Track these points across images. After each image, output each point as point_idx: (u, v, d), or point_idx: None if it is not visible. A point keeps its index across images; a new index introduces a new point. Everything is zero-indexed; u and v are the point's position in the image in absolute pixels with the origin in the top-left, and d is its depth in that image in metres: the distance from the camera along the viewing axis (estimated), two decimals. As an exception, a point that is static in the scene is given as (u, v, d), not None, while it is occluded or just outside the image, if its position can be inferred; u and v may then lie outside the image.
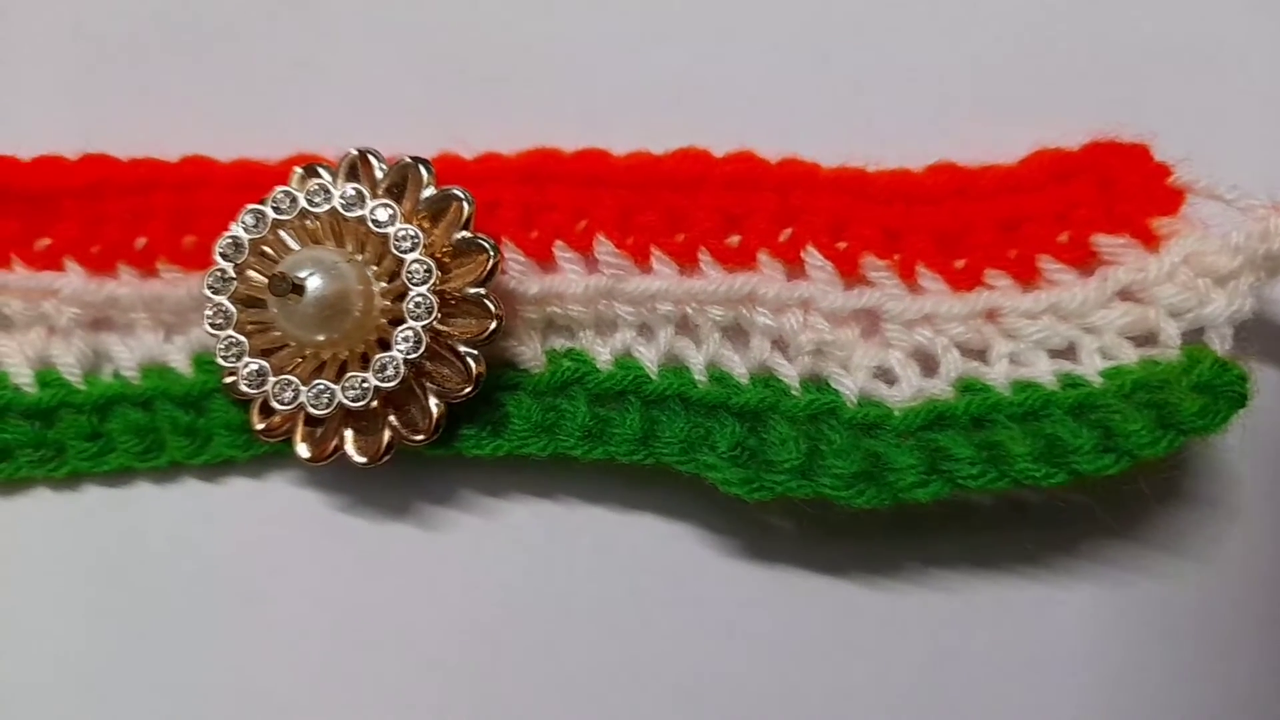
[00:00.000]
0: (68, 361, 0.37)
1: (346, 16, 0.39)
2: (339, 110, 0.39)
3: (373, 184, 0.35)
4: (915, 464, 0.31)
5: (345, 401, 0.33)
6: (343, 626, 0.37)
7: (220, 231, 0.36)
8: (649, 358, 0.35)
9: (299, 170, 0.35)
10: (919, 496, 0.31)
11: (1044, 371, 0.33)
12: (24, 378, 0.38)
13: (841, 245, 0.34)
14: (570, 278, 0.35)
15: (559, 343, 0.36)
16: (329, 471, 0.37)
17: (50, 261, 0.38)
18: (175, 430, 0.37)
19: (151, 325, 0.38)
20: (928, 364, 0.34)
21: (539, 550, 0.36)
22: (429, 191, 0.34)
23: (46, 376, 0.38)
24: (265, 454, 0.37)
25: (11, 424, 0.37)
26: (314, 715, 0.36)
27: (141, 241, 0.37)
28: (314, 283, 0.32)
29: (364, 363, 0.34)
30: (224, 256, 0.34)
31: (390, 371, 0.33)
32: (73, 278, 0.37)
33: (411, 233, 0.33)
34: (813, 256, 0.34)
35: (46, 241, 0.38)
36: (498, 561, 0.36)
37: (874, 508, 0.32)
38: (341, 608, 0.37)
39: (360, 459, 0.34)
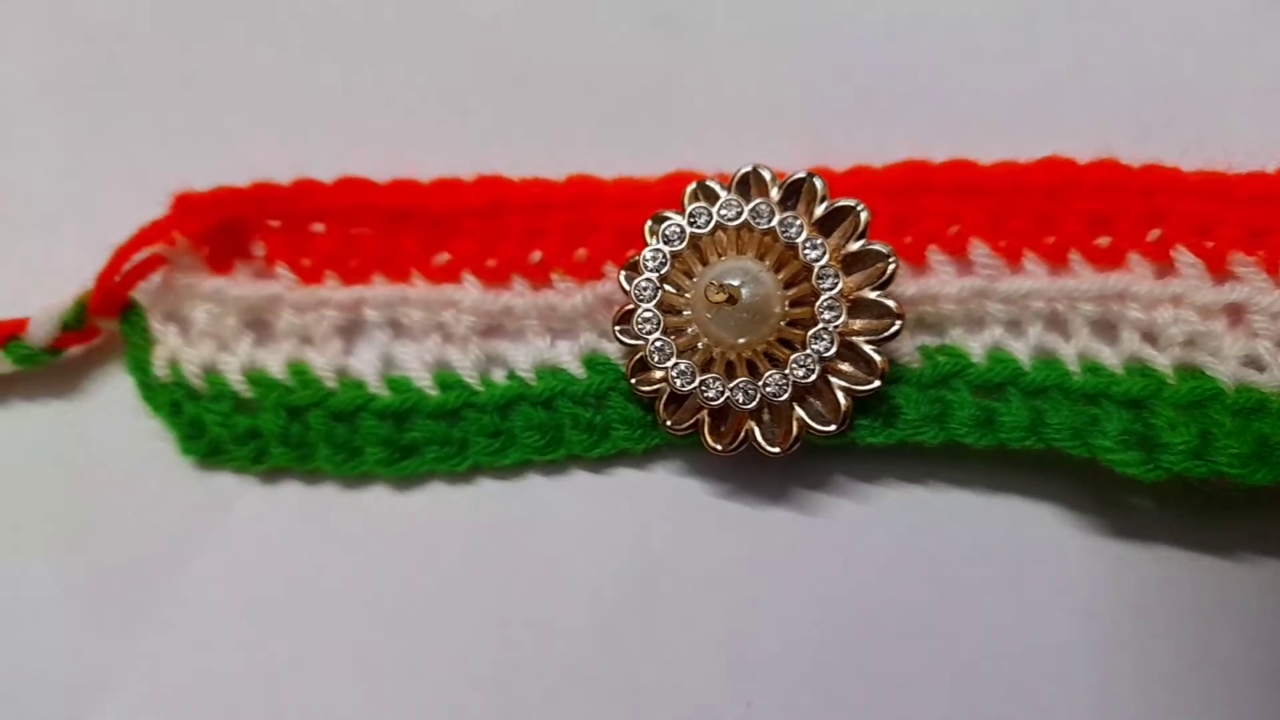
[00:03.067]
0: (465, 366, 0.41)
1: (714, 39, 0.43)
2: (706, 130, 0.42)
3: (766, 197, 0.38)
4: (1302, 443, 0.34)
5: (767, 396, 0.36)
6: (731, 610, 0.39)
7: (610, 244, 0.40)
8: (1021, 351, 0.38)
9: (692, 186, 0.38)
10: (1311, 473, 0.34)
11: None
12: (425, 381, 0.41)
13: (1209, 244, 0.37)
14: (945, 279, 0.39)
15: (926, 339, 0.39)
16: (710, 462, 0.40)
17: (448, 275, 0.41)
18: (575, 426, 0.40)
19: (540, 331, 0.41)
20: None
21: (913, 534, 0.39)
22: (824, 204, 0.37)
23: (445, 379, 0.41)
24: (657, 447, 0.40)
25: (419, 423, 0.41)
26: (708, 694, 0.39)
27: (536, 255, 0.41)
28: (745, 291, 0.36)
29: (768, 361, 0.37)
30: (648, 267, 0.37)
31: (806, 370, 0.36)
32: (471, 290, 0.41)
33: (819, 241, 0.36)
34: (1183, 255, 0.37)
35: (445, 257, 0.41)
36: (874, 545, 0.39)
37: (1267, 484, 0.35)
38: (729, 591, 0.39)
39: (773, 449, 0.37)
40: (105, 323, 0.42)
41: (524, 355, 0.41)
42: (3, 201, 0.45)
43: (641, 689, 0.39)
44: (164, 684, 0.40)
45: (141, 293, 0.42)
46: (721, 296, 0.35)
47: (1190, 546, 0.38)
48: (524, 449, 0.40)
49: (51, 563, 0.42)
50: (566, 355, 0.41)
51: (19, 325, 0.42)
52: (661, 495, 0.41)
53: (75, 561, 0.42)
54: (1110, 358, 0.38)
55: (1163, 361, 0.37)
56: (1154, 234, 0.38)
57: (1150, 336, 0.38)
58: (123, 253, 0.41)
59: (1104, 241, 0.38)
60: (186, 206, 0.41)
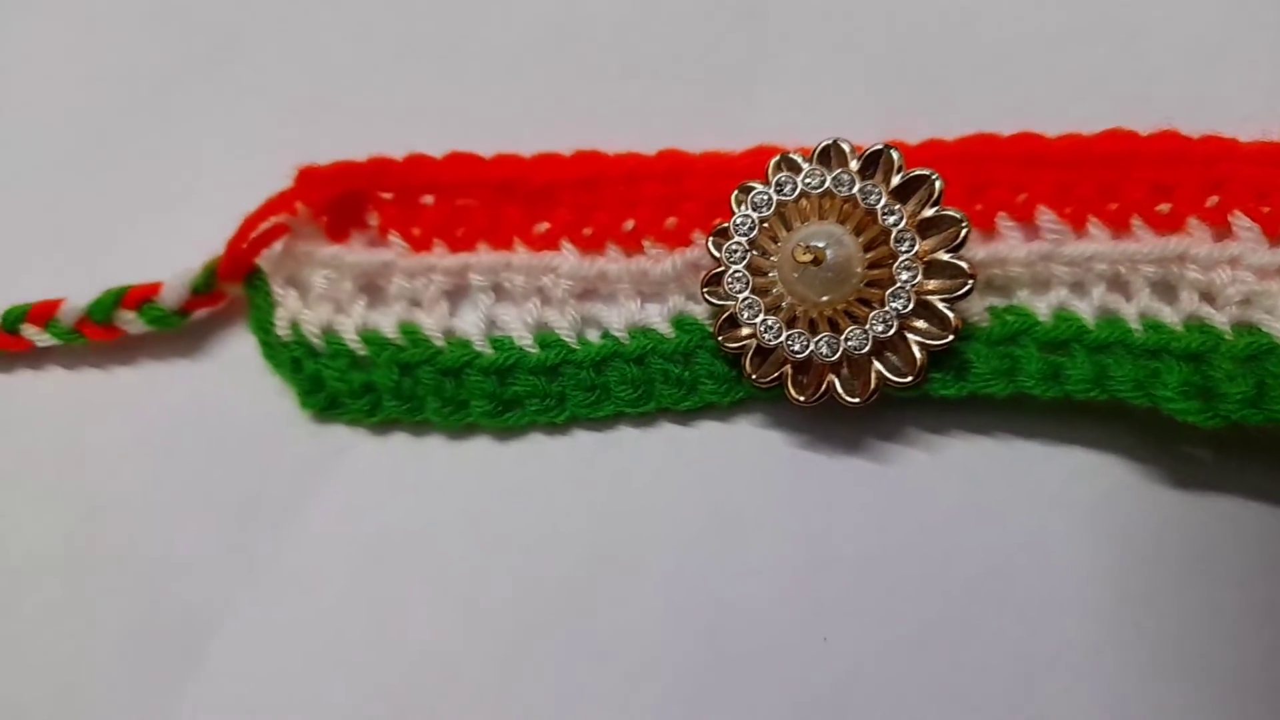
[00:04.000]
0: (563, 326, 0.44)
1: (793, 25, 0.46)
2: (787, 108, 0.45)
3: (846, 168, 0.41)
4: (1354, 395, 0.37)
5: (849, 349, 0.39)
6: (809, 551, 0.42)
7: (699, 214, 0.43)
8: (1086, 311, 0.41)
9: (776, 159, 0.41)
10: (1362, 420, 0.37)
11: None
12: (526, 340, 0.45)
13: (1265, 209, 0.40)
14: (1013, 243, 0.41)
15: (994, 300, 0.42)
16: (789, 415, 0.43)
17: (547, 243, 0.45)
18: (665, 381, 0.43)
19: (631, 294, 0.44)
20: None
21: (980, 481, 0.42)
22: (900, 174, 0.40)
23: (545, 339, 0.44)
24: (741, 400, 0.43)
25: (521, 379, 0.44)
26: (788, 629, 0.42)
27: (629, 224, 0.44)
28: (830, 252, 0.39)
29: (848, 319, 0.40)
30: (738, 231, 0.40)
31: (885, 325, 0.39)
32: (569, 256, 0.44)
33: (897, 207, 0.39)
34: (1240, 219, 0.40)
35: (545, 226, 0.45)
36: (944, 492, 0.42)
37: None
38: (807, 534, 0.42)
39: (852, 400, 0.40)
40: (231, 287, 0.46)
41: (617, 316, 0.44)
42: (137, 177, 0.49)
43: (725, 624, 0.42)
44: (281, 619, 0.44)
45: (264, 259, 0.46)
46: (808, 257, 0.38)
47: (1247, 494, 0.41)
48: (617, 402, 0.44)
49: (181, 509, 0.46)
50: (656, 317, 0.44)
51: (152, 289, 0.45)
52: (745, 445, 0.44)
53: (202, 508, 0.46)
54: (1170, 316, 0.40)
55: (1220, 319, 0.40)
56: (1212, 200, 0.40)
57: (1209, 296, 0.40)
58: (250, 222, 0.45)
59: (1164, 208, 0.40)
60: (308, 179, 0.45)
